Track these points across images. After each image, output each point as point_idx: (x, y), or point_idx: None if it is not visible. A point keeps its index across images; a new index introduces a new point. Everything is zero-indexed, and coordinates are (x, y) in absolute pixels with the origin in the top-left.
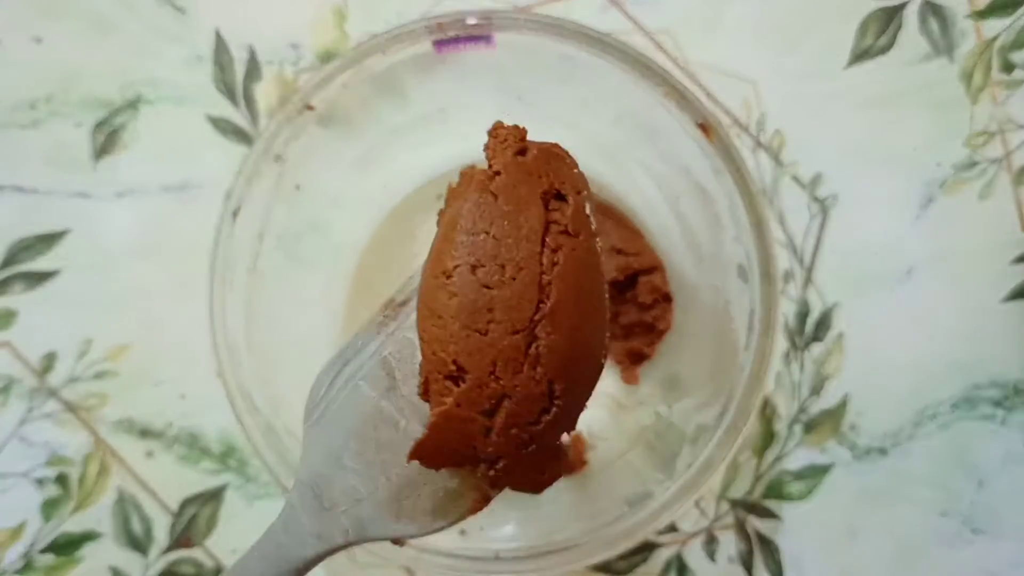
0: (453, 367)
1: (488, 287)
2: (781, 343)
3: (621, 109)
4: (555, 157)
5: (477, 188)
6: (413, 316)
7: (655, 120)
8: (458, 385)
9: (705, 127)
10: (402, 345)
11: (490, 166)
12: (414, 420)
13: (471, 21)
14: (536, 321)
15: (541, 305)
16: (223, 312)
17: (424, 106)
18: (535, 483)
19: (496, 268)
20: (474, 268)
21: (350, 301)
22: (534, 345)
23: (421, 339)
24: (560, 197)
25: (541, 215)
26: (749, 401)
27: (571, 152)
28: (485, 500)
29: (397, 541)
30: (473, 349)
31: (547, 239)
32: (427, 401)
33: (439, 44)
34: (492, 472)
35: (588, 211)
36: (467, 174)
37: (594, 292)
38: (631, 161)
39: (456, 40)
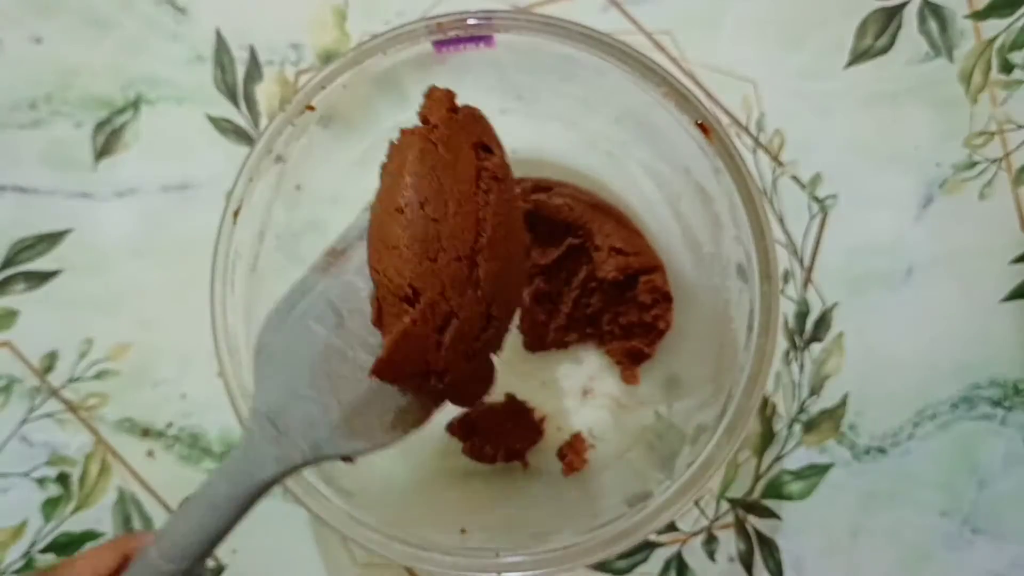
0: (409, 290)
1: (435, 220)
2: (781, 343)
3: (621, 109)
4: (479, 117)
5: (420, 139)
6: (354, 262)
7: (655, 120)
8: (413, 306)
9: (705, 127)
10: (345, 288)
11: (426, 121)
12: (361, 351)
13: (471, 22)
14: (476, 250)
15: (480, 237)
16: (224, 312)
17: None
18: (470, 397)
19: (441, 204)
20: (423, 204)
21: None
22: (475, 271)
23: (374, 269)
24: (487, 149)
25: (474, 162)
26: (749, 401)
27: (571, 151)
28: (427, 414)
29: (348, 459)
30: (426, 273)
31: (480, 183)
32: (379, 327)
33: (439, 44)
34: (439, 385)
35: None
36: (407, 131)
37: (518, 231)
38: (631, 160)
39: (456, 41)
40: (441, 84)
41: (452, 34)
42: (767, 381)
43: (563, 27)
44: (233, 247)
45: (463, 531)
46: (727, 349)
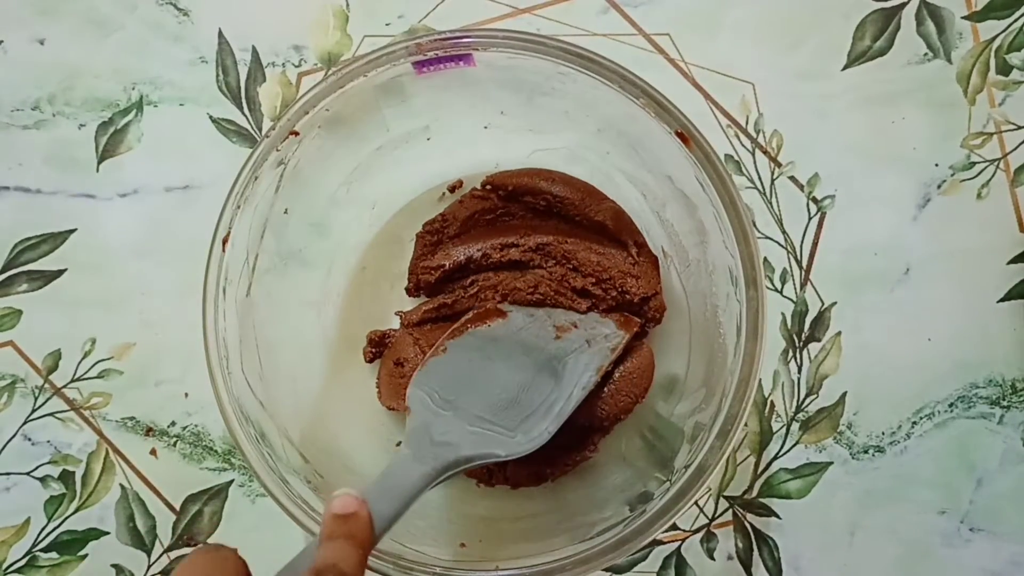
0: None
1: None
2: (779, 342)
3: (603, 120)
4: None
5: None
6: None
7: (637, 130)
8: None
9: (684, 136)
10: (496, 329)
11: None
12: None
13: (450, 42)
14: None
15: None
16: (217, 313)
17: (424, 109)
18: None
19: None
20: None
21: (350, 301)
22: None
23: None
24: None
25: None
26: (739, 405)
27: (555, 163)
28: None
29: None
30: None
31: None
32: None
33: (419, 65)
34: None
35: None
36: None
37: None
38: (615, 170)
39: (436, 60)
40: (438, 95)
41: (431, 54)
42: (756, 385)
43: (541, 43)
44: (233, 250)
45: (462, 545)
46: (718, 353)
